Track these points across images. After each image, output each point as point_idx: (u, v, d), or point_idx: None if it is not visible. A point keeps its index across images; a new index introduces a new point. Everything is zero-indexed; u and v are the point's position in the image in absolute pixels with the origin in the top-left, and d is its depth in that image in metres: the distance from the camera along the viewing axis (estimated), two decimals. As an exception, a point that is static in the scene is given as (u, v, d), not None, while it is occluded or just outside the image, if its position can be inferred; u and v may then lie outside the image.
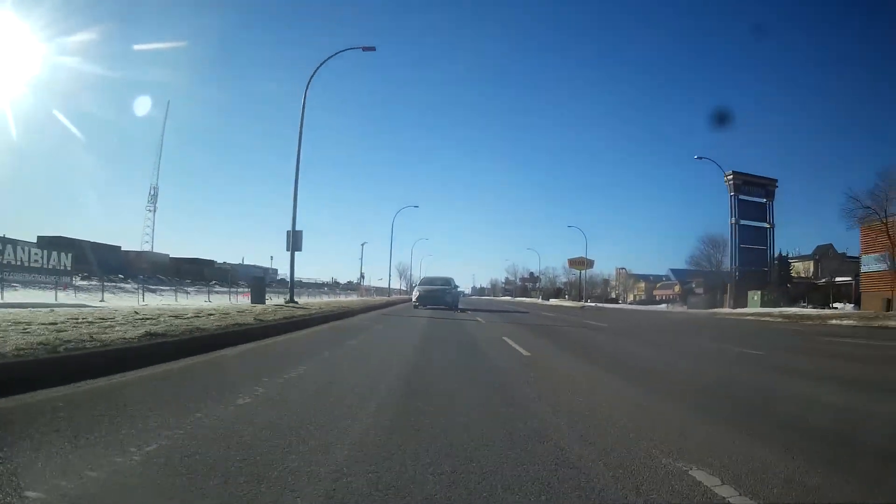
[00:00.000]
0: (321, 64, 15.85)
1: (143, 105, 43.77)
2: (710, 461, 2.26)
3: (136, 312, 7.76)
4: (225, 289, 31.99)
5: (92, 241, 45.82)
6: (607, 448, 2.43)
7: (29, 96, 22.62)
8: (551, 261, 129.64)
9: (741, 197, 38.45)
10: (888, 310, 28.06)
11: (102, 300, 18.73)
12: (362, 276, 50.43)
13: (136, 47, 41.81)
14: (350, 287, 67.33)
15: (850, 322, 18.55)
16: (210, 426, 2.54)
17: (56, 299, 16.49)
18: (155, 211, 64.35)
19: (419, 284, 23.06)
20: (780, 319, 21.72)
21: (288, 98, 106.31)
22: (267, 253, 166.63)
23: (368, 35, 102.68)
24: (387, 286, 50.14)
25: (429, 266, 79.97)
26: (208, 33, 69.24)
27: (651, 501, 1.84)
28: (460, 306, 21.72)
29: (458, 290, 24.55)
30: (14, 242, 21.13)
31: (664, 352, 8.12)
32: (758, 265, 37.80)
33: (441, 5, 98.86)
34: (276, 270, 74.78)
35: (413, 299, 21.17)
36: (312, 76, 15.91)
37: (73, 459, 2.00)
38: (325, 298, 35.21)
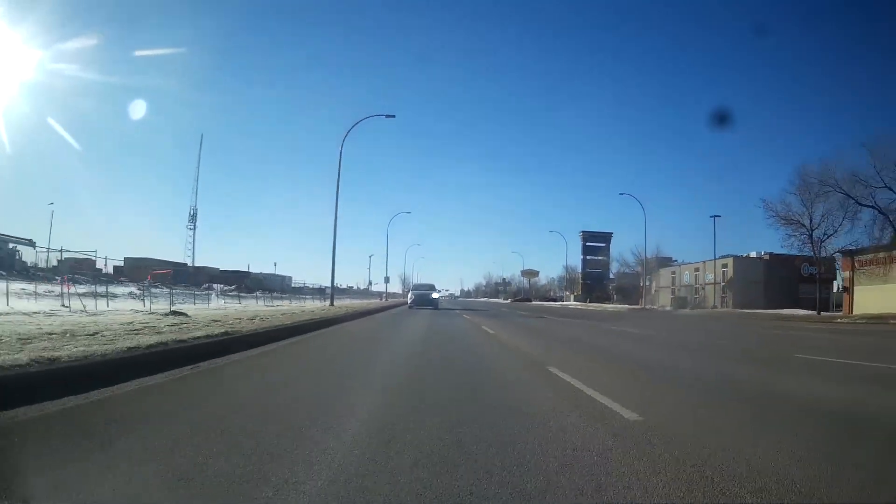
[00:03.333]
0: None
1: (140, 110, 40.62)
2: (473, 317, 26.63)
3: (336, 307, 31.71)
4: (298, 297, 54.94)
5: (162, 259, 58.91)
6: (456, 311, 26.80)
7: (24, 103, 21.69)
8: (528, 265, 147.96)
9: (587, 244, 66.14)
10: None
11: (269, 305, 41.64)
12: (371, 283, 68.01)
13: (137, 53, 44.83)
14: (365, 293, 74.23)
15: (607, 309, 44.18)
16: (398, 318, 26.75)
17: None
18: (195, 229, 70.52)
19: (412, 290, 31.14)
20: (577, 305, 47.46)
21: (284, 103, 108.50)
22: (269, 258, 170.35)
23: (364, 32, 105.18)
24: (391, 291, 67.13)
25: (423, 270, 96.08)
26: (207, 38, 68.32)
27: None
28: (447, 306, 33.24)
29: (439, 293, 32.88)
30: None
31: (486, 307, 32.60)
32: (598, 280, 64.62)
33: (436, 7, 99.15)
34: (291, 278, 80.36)
35: (408, 301, 29.51)
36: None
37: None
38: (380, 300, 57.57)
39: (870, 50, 65.33)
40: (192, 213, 69.94)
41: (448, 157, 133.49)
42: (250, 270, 68.50)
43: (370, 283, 68.08)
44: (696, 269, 45.52)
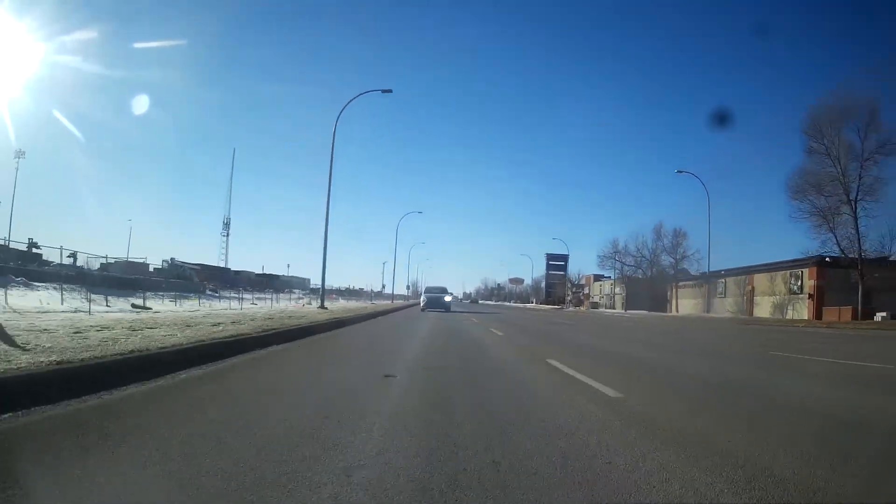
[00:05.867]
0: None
1: (142, 105, 40.25)
2: (460, 309, 49.57)
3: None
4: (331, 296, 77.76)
5: (207, 264, 64.33)
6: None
7: (27, 96, 20.42)
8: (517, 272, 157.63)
9: (551, 262, 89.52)
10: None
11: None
12: (384, 286, 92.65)
13: (137, 45, 42.89)
14: (379, 295, 77.43)
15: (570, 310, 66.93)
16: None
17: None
18: (228, 236, 75.50)
19: (424, 292, 34.42)
20: (537, 305, 70.32)
21: (286, 97, 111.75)
22: (272, 257, 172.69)
23: (368, 33, 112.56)
24: (400, 293, 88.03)
25: (430, 273, 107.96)
26: (208, 31, 67.67)
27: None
28: (454, 309, 34.40)
29: (451, 296, 34.41)
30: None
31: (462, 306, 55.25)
32: (557, 289, 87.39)
33: (440, 7, 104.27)
34: (309, 280, 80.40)
35: (421, 303, 31.75)
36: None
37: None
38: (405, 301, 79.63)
39: (870, 50, 64.40)
40: (225, 221, 74.64)
41: (456, 160, 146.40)
42: (278, 274, 75.69)
43: (383, 287, 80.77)
44: (612, 284, 68.42)
